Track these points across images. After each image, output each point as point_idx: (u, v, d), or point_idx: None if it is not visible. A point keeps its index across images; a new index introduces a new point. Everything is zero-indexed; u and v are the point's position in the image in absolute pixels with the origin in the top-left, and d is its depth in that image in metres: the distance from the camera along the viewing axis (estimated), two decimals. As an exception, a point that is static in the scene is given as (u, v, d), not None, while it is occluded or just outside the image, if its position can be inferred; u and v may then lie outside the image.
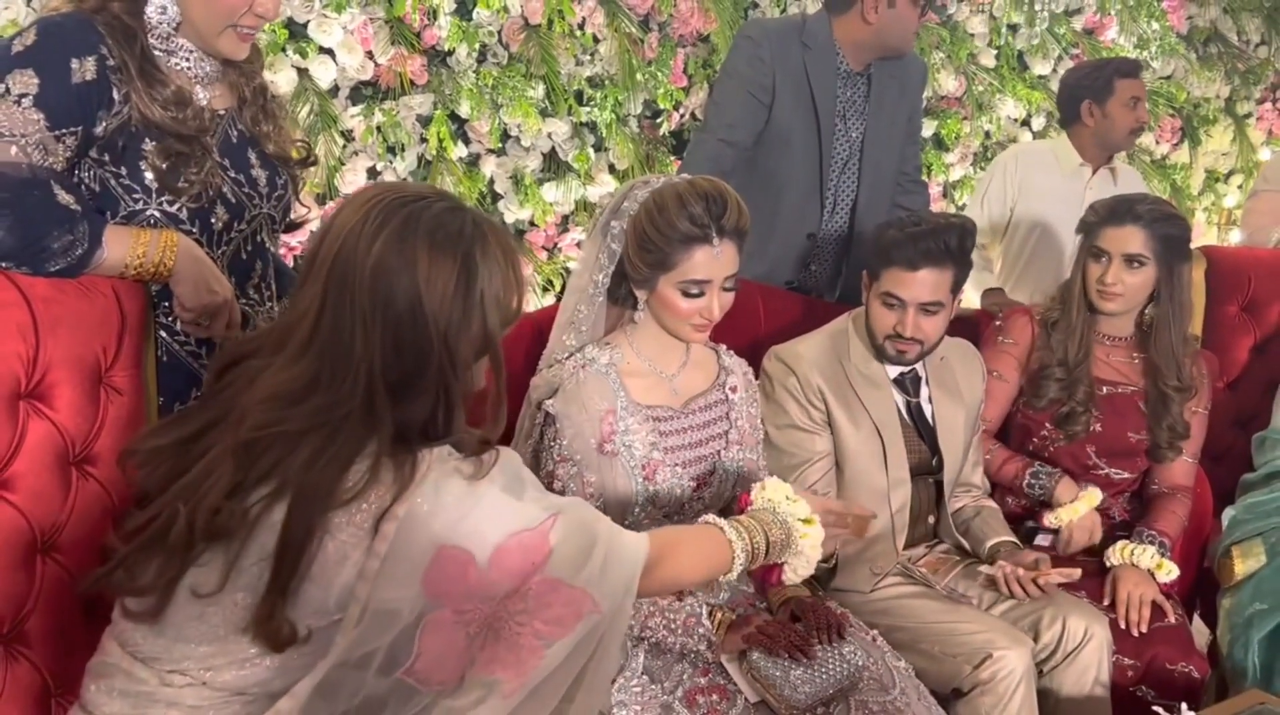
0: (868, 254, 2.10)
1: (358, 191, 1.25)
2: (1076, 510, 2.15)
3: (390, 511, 1.13)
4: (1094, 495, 2.17)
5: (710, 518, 1.45)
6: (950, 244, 1.98)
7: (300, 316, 1.18)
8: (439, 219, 1.17)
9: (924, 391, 2.13)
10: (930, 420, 2.12)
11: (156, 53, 1.50)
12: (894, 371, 2.10)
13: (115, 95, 1.45)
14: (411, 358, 1.15)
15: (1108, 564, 2.14)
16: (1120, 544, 2.14)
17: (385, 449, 1.15)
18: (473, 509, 1.17)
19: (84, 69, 1.42)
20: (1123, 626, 2.05)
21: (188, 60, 1.52)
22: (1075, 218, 2.53)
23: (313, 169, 1.81)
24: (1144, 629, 2.04)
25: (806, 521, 1.46)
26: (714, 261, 1.69)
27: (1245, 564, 2.13)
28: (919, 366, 2.12)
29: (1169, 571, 2.12)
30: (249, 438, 1.14)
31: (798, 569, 1.47)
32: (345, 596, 1.14)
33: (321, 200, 2.66)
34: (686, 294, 1.70)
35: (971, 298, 2.96)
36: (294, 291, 1.24)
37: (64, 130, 1.41)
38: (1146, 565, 2.11)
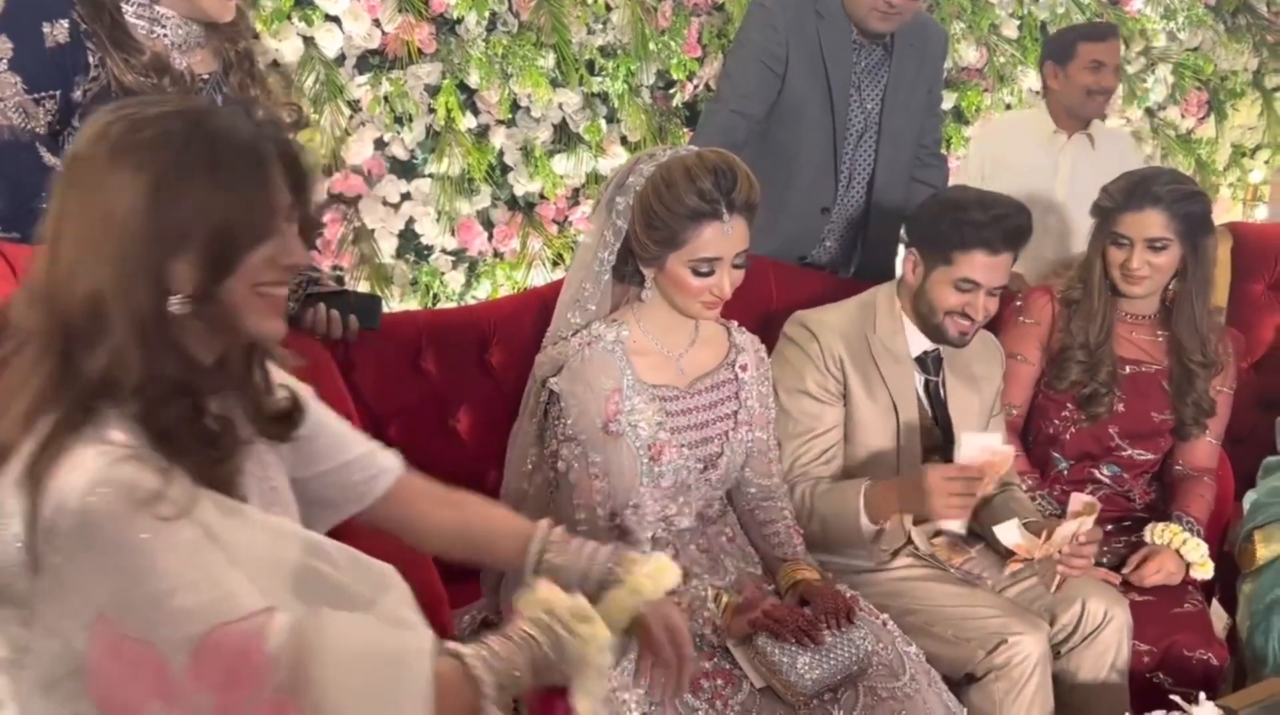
0: (926, 233, 2.02)
1: None
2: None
3: (38, 521, 0.89)
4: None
5: (454, 646, 1.08)
6: (1025, 225, 1.98)
7: None
8: (132, 123, 0.97)
9: (943, 373, 2.09)
10: (945, 404, 2.09)
11: (134, 20, 1.49)
12: (917, 349, 2.06)
13: (90, 59, 1.45)
14: (97, 288, 0.94)
15: (1148, 540, 2.10)
16: (1169, 528, 2.10)
17: (45, 409, 0.93)
18: (152, 577, 0.88)
19: (55, 33, 1.42)
20: (1124, 578, 2.05)
21: (165, 27, 1.51)
22: (1051, 185, 2.47)
23: (312, 136, 1.78)
24: (1145, 585, 2.06)
25: (584, 621, 1.11)
26: (724, 238, 1.65)
27: (1268, 549, 2.09)
28: (940, 347, 2.08)
29: (1207, 570, 2.09)
30: None
31: (590, 690, 1.10)
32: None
33: (328, 172, 2.62)
34: (696, 272, 1.66)
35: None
36: None
37: (42, 94, 1.42)
38: (1191, 558, 2.08)
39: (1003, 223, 1.94)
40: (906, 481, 1.88)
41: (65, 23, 1.43)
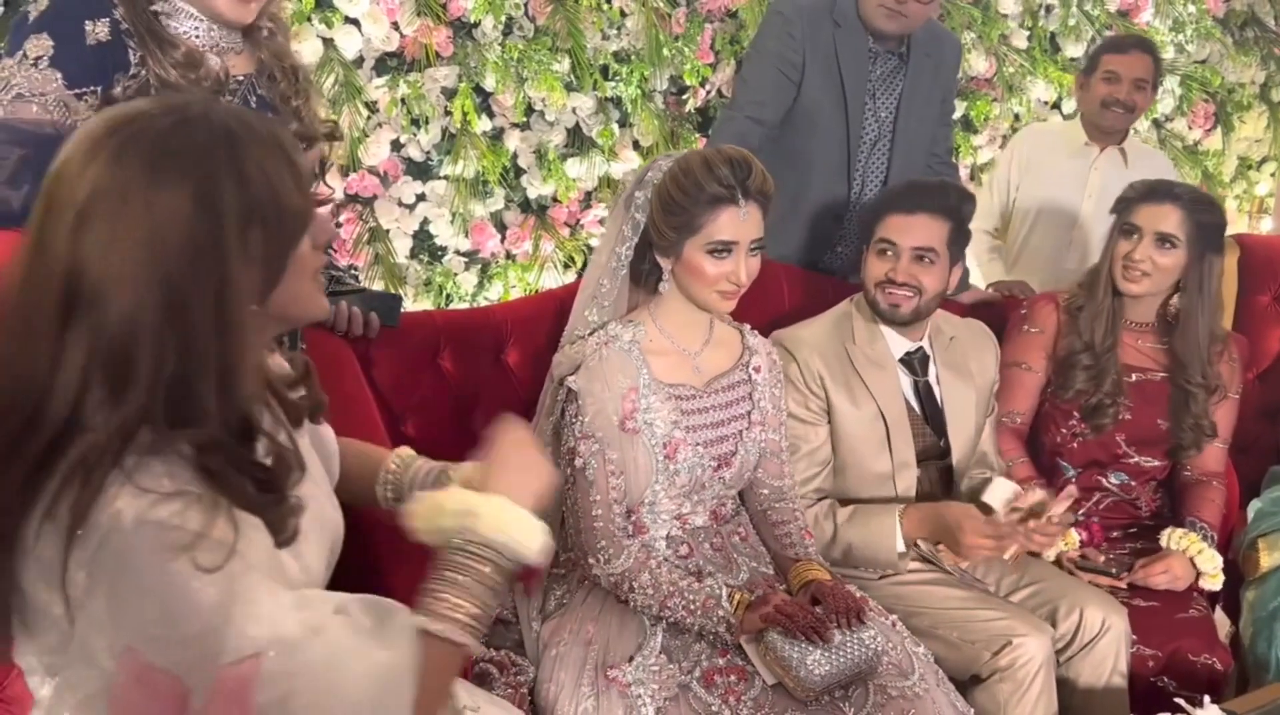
0: (864, 222, 2.14)
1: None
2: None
3: (71, 556, 0.87)
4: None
5: (425, 624, 1.00)
6: (949, 198, 2.03)
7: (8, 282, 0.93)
8: (144, 134, 0.91)
9: (932, 371, 2.10)
10: (939, 402, 2.10)
11: (165, 21, 1.51)
12: (899, 350, 2.07)
13: (131, 57, 1.48)
14: (127, 323, 0.88)
15: (1164, 545, 2.11)
16: (1187, 536, 2.10)
17: (82, 456, 0.89)
18: (186, 611, 0.87)
19: (97, 31, 1.46)
20: (1130, 579, 2.07)
21: (196, 30, 1.54)
22: (1079, 198, 2.45)
23: (337, 143, 1.81)
24: (1149, 583, 2.07)
25: (469, 512, 1.06)
26: (740, 223, 1.69)
27: (1272, 557, 2.11)
28: (926, 345, 2.10)
29: (1217, 581, 2.10)
30: None
31: (518, 536, 1.04)
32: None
33: (345, 173, 2.65)
34: (713, 254, 1.69)
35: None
36: None
37: (83, 89, 1.45)
38: (1204, 568, 2.08)
39: (916, 190, 2.04)
40: (939, 520, 1.93)
41: (107, 21, 1.46)
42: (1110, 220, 2.26)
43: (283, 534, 0.98)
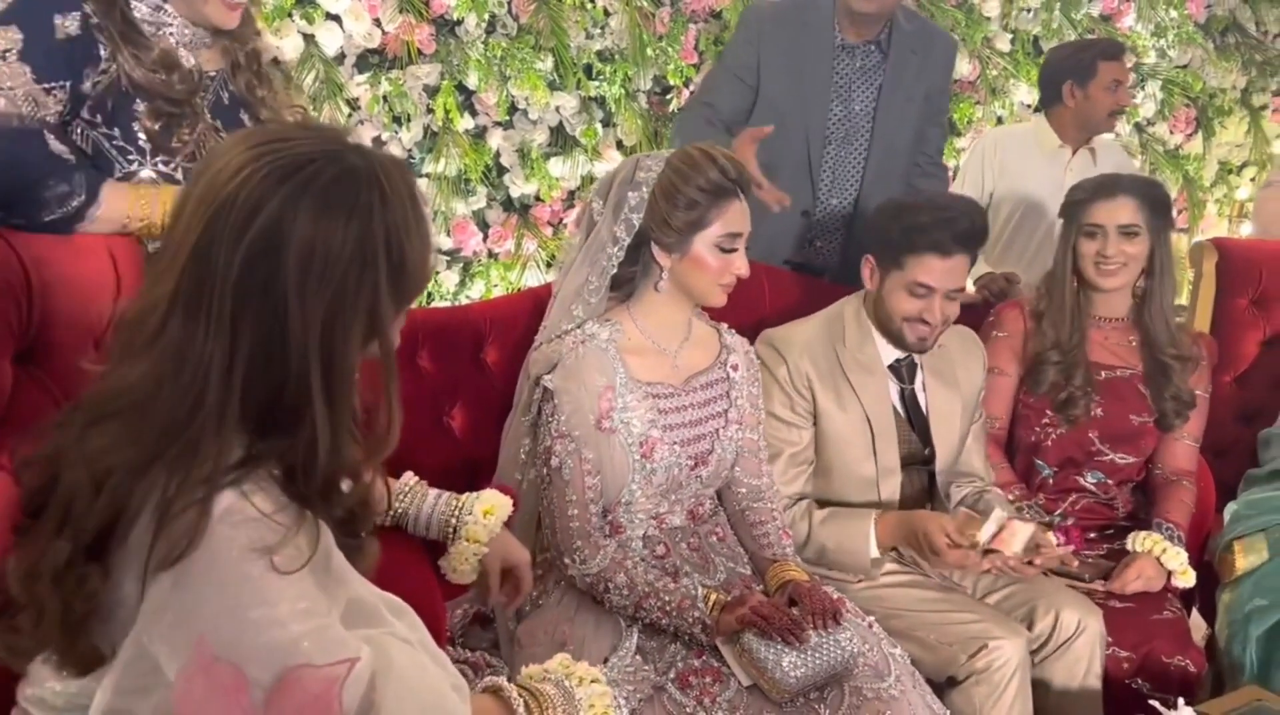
0: (878, 239, 2.04)
1: (230, 144, 0.96)
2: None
3: (158, 539, 0.89)
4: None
5: (495, 682, 1.20)
6: (977, 225, 1.99)
7: (153, 303, 0.94)
8: (307, 167, 0.93)
9: (919, 378, 2.10)
10: (924, 410, 2.10)
11: (142, 18, 1.50)
12: (889, 357, 2.07)
13: (101, 52, 1.47)
14: (279, 363, 0.92)
15: (1130, 548, 2.14)
16: (1150, 537, 2.13)
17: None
18: (259, 605, 0.89)
19: (66, 25, 1.44)
20: (1107, 588, 2.08)
21: (172, 27, 1.53)
22: (1057, 199, 2.48)
23: None
24: (1126, 591, 2.08)
25: (594, 681, 1.25)
26: (744, 215, 1.73)
27: (1247, 559, 2.12)
28: (914, 353, 2.10)
29: (1189, 578, 2.13)
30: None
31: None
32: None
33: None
34: (723, 249, 1.72)
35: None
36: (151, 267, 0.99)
37: (52, 84, 1.43)
38: (1172, 566, 2.11)
39: (952, 224, 1.94)
40: (908, 526, 1.93)
41: (77, 15, 1.45)
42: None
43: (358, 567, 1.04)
